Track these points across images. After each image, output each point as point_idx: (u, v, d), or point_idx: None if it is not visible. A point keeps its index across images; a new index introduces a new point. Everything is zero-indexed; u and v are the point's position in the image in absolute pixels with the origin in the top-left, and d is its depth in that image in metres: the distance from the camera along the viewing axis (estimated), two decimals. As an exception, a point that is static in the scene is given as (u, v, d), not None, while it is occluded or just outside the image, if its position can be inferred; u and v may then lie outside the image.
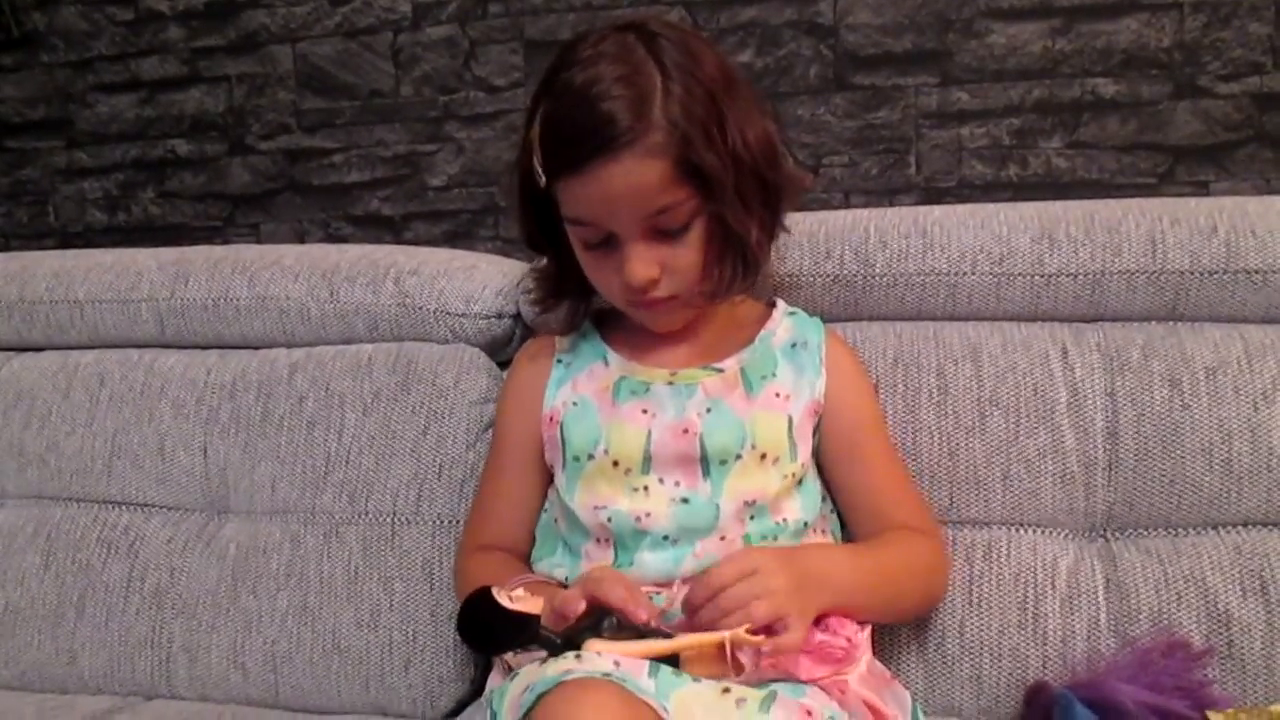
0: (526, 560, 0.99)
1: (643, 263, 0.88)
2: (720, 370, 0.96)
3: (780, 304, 1.03)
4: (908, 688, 0.93)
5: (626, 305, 0.94)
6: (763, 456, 0.92)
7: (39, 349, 1.32)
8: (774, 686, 0.78)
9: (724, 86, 0.89)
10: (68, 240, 2.28)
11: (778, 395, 0.95)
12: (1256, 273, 1.03)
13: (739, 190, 0.88)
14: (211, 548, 1.16)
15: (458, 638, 0.84)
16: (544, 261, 1.03)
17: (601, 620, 0.80)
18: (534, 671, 0.75)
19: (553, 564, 0.95)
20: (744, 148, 0.88)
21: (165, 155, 2.20)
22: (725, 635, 0.77)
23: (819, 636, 0.84)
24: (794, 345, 0.99)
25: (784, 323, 1.01)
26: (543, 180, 0.88)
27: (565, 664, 0.74)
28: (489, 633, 0.81)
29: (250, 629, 1.12)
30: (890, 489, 0.98)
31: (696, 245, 0.90)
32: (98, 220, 2.27)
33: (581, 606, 0.79)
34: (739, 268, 0.92)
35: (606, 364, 0.99)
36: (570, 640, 0.77)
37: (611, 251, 0.90)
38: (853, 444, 0.97)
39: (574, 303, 1.03)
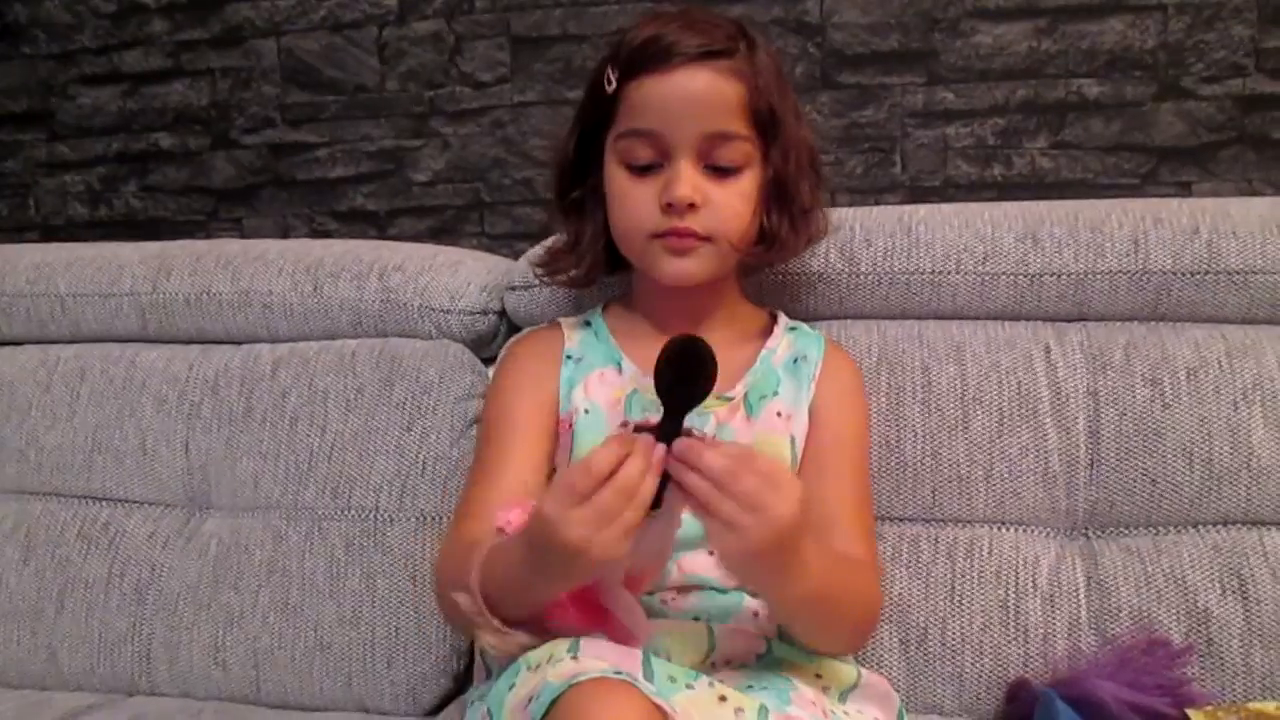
0: None
1: (689, 182, 0.89)
2: (730, 398, 0.95)
3: (782, 318, 1.03)
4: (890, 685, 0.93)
5: (650, 240, 0.91)
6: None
7: (19, 343, 1.31)
8: (761, 699, 0.77)
9: (794, 89, 0.96)
10: (49, 234, 2.27)
11: (779, 414, 0.94)
12: (1237, 273, 1.04)
13: (798, 160, 0.93)
14: (193, 543, 1.16)
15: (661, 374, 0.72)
16: (560, 239, 1.04)
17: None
18: (532, 678, 0.73)
19: None
20: (804, 136, 0.95)
21: (148, 149, 2.19)
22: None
23: None
24: (795, 361, 0.98)
25: (785, 339, 1.00)
26: (612, 85, 0.91)
27: (566, 666, 0.71)
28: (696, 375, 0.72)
29: (232, 625, 1.11)
30: (847, 513, 0.92)
31: (745, 195, 0.91)
32: (79, 214, 2.25)
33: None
34: (785, 233, 0.94)
35: (620, 371, 0.97)
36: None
37: (655, 176, 0.91)
38: (824, 456, 0.94)
39: (581, 272, 1.01)
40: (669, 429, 0.72)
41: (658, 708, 0.67)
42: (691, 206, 0.89)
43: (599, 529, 0.68)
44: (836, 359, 1.00)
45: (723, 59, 0.89)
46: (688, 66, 0.88)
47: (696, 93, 0.88)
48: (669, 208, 0.89)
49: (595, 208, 0.97)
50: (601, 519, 0.68)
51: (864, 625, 0.92)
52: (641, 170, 0.91)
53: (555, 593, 0.76)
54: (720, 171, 0.90)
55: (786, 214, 0.94)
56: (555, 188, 1.02)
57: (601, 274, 1.02)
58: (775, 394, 0.95)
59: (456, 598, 0.78)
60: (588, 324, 1.02)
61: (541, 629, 0.77)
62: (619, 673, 0.68)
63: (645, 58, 0.89)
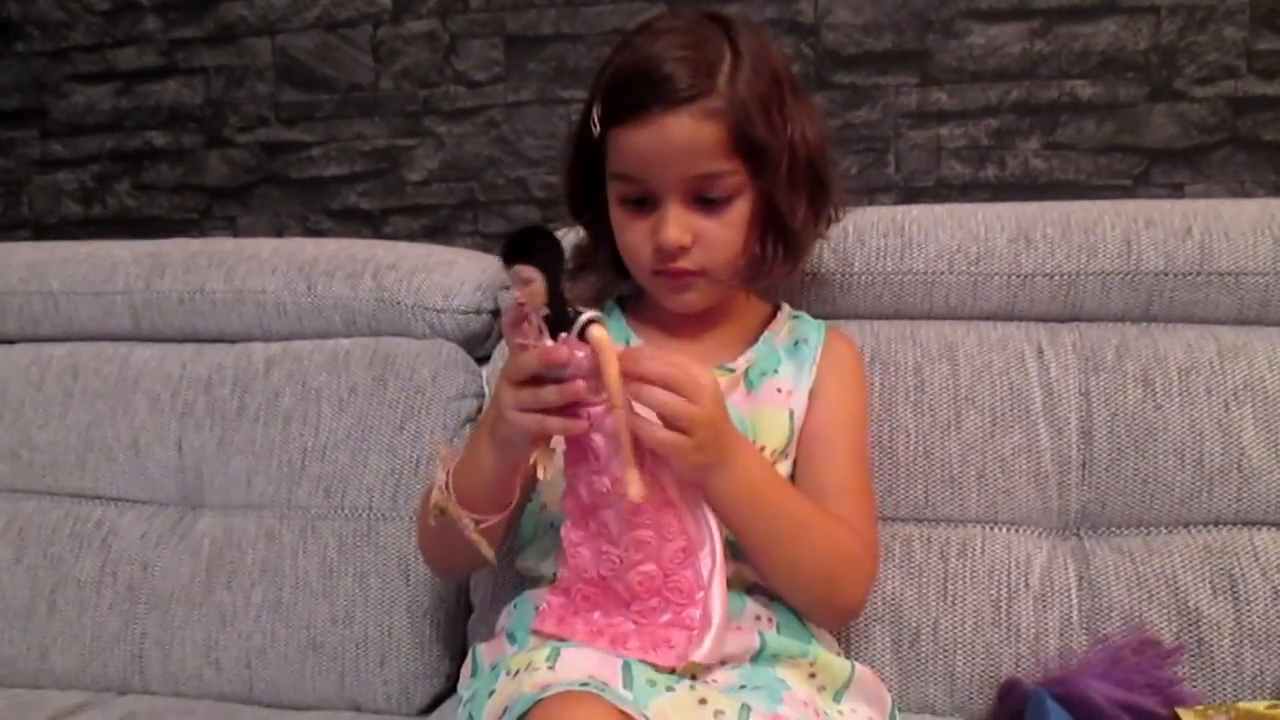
0: (511, 521, 0.94)
1: (677, 226, 0.89)
2: (731, 370, 0.96)
3: (785, 307, 1.04)
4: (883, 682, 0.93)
5: (651, 276, 0.93)
6: (761, 449, 0.92)
7: (11, 341, 1.31)
8: (748, 699, 0.78)
9: (789, 81, 0.93)
10: (42, 232, 2.26)
11: (779, 390, 0.95)
12: (1229, 275, 1.04)
13: (791, 175, 0.91)
14: (186, 542, 1.15)
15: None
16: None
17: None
18: (509, 686, 0.75)
19: (537, 553, 0.94)
20: (801, 139, 0.92)
21: (142, 147, 2.18)
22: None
23: (666, 615, 0.81)
24: (796, 343, 0.99)
25: (787, 324, 1.01)
26: (597, 129, 0.90)
27: (541, 676, 0.74)
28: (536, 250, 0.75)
29: (224, 624, 1.11)
30: (840, 487, 0.92)
31: (736, 224, 0.91)
32: (73, 212, 2.25)
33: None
34: (780, 253, 0.93)
35: (628, 345, 0.97)
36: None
37: (647, 213, 0.91)
38: (820, 438, 0.94)
39: (600, 278, 1.02)
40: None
41: (629, 717, 0.69)
42: (682, 248, 0.89)
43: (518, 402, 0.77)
44: (836, 342, 1.00)
45: (700, 100, 0.86)
46: (665, 115, 0.86)
47: (675, 142, 0.87)
48: (659, 251, 0.90)
49: (605, 230, 0.97)
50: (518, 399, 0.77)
51: (837, 574, 0.88)
52: (637, 203, 0.91)
53: (503, 465, 0.83)
54: (710, 203, 0.90)
55: (780, 238, 0.93)
56: (569, 210, 1.02)
57: (616, 285, 1.04)
58: (776, 372, 0.96)
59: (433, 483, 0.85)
60: (602, 310, 1.02)
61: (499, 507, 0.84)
62: (586, 685, 0.71)
63: (624, 106, 0.88)
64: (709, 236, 0.90)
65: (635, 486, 0.76)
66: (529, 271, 0.74)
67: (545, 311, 0.75)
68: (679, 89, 0.86)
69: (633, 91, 0.87)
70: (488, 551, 0.84)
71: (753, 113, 0.88)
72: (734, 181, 0.89)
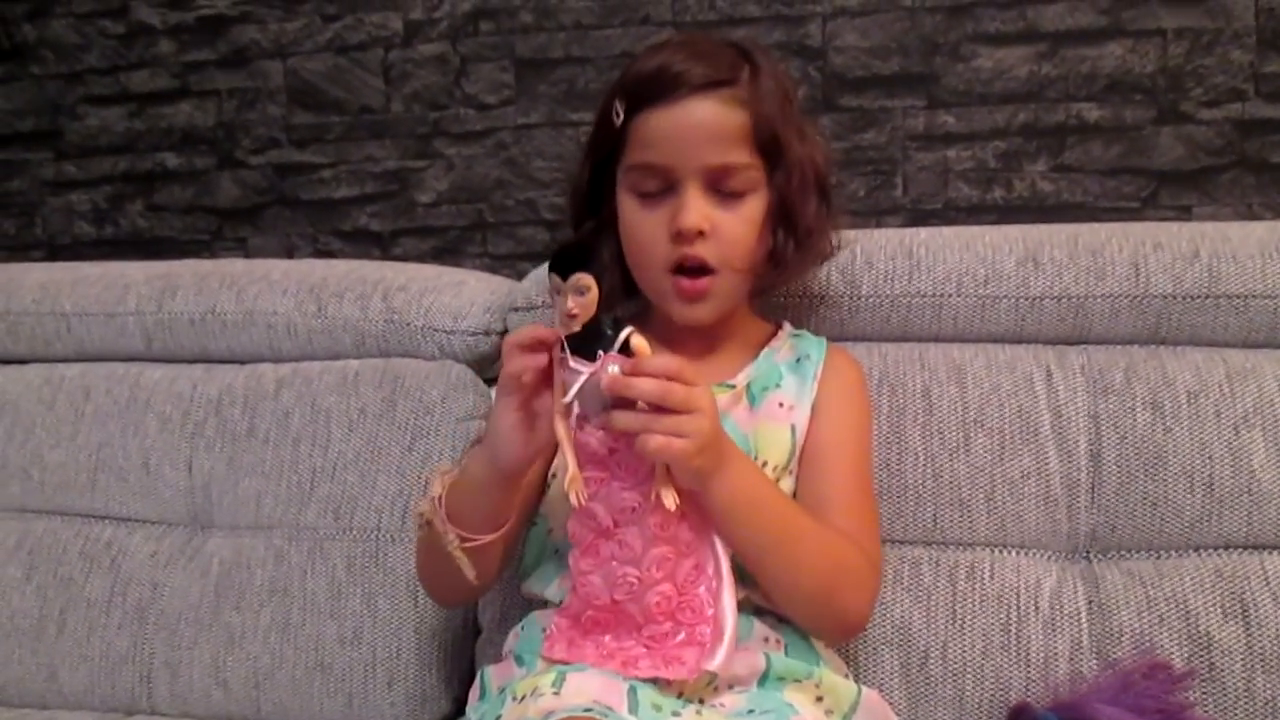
0: (507, 550, 0.95)
1: (697, 210, 0.90)
2: (732, 386, 0.96)
3: (786, 325, 1.04)
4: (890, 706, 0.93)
5: (665, 274, 0.93)
6: (763, 465, 0.92)
7: (24, 361, 1.32)
8: None
9: (800, 107, 0.97)
10: (55, 253, 2.28)
11: (781, 405, 0.95)
12: (1238, 297, 1.04)
13: (801, 180, 0.93)
14: (195, 563, 1.16)
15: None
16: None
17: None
18: (515, 711, 0.75)
19: (543, 577, 0.95)
20: (811, 156, 0.95)
21: (154, 168, 2.20)
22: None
23: (680, 636, 0.81)
24: (798, 360, 0.99)
25: (789, 341, 1.01)
26: (620, 118, 0.92)
27: (545, 702, 0.73)
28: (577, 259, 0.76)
29: (233, 645, 1.11)
30: (842, 501, 0.92)
31: (750, 220, 0.92)
32: (85, 233, 2.26)
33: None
34: (791, 254, 0.95)
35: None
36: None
37: (664, 203, 0.91)
38: (822, 451, 0.94)
39: (604, 297, 1.03)
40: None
41: None
42: (700, 234, 0.90)
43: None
44: (838, 358, 1.01)
45: (726, 88, 0.89)
46: (692, 97, 0.89)
47: (701, 123, 0.89)
48: (678, 236, 0.90)
49: (610, 237, 0.97)
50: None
51: (837, 584, 0.87)
52: (651, 196, 0.92)
53: (494, 474, 0.84)
54: (727, 196, 0.91)
55: (792, 235, 0.94)
56: (571, 217, 1.03)
57: (618, 300, 1.03)
58: (778, 386, 0.96)
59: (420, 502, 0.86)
60: None
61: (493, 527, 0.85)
62: (589, 710, 0.71)
63: (650, 90, 0.90)
64: (725, 229, 0.91)
65: (670, 497, 0.78)
66: (587, 279, 0.74)
67: (578, 327, 0.75)
68: (706, 74, 0.89)
69: (661, 76, 0.90)
70: (468, 569, 0.84)
71: (773, 112, 0.91)
72: (752, 176, 0.91)
